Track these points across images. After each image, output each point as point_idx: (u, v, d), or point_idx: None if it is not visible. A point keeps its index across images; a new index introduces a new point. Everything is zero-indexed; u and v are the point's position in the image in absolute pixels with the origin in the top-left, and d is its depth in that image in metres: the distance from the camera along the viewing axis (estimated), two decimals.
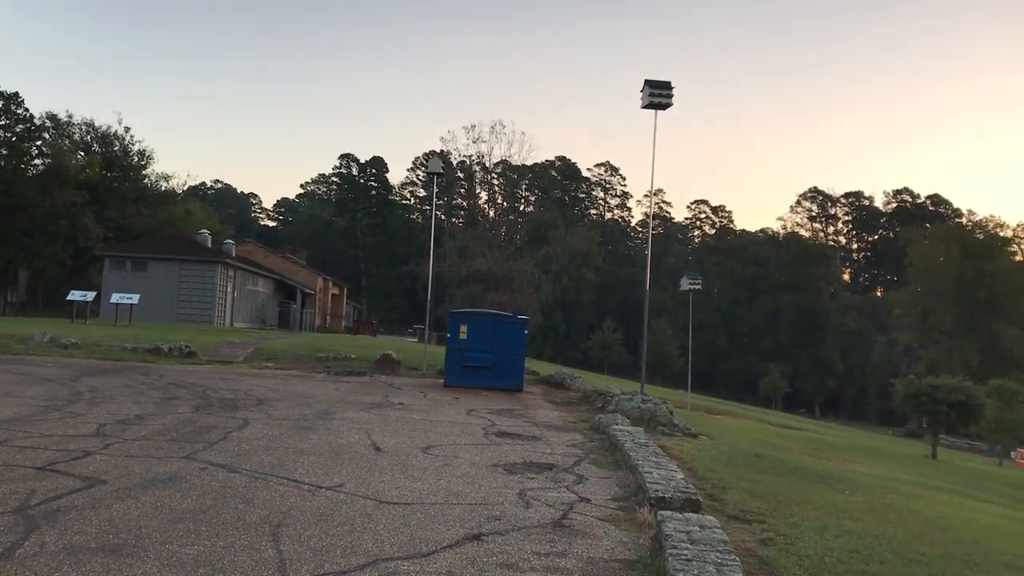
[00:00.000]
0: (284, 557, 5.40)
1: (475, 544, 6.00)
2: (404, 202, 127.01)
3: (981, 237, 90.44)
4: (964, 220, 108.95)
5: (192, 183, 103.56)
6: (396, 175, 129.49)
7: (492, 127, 67.86)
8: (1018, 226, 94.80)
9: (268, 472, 8.21)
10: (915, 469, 21.86)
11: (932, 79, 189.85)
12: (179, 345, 23.15)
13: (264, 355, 24.35)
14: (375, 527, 6.29)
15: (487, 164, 75.84)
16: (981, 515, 12.51)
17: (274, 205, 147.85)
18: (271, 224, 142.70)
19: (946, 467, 26.80)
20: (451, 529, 6.37)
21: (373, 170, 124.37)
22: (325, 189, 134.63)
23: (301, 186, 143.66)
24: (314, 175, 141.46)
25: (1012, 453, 51.09)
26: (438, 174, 28.29)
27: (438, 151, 78.24)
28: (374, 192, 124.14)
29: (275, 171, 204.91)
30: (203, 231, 51.81)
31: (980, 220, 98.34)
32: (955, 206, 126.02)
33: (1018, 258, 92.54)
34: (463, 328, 20.01)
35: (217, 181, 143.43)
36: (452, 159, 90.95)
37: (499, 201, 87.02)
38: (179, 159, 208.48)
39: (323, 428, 11.52)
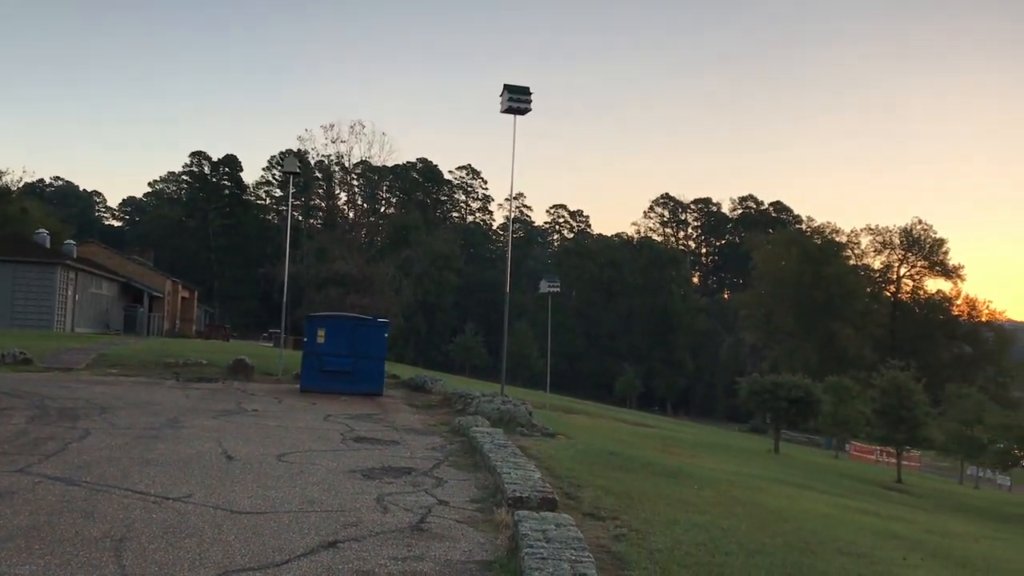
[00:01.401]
0: (127, 573, 5.14)
1: (330, 551, 5.88)
2: (259, 202, 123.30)
3: (819, 242, 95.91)
4: (804, 226, 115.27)
5: (28, 180, 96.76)
6: (251, 174, 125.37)
7: (352, 127, 66.66)
8: (852, 232, 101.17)
9: (111, 484, 7.79)
10: (759, 463, 23.01)
11: (775, 92, 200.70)
12: (13, 352, 21.63)
13: (108, 361, 23.11)
14: (225, 538, 6.07)
15: (346, 164, 74.65)
16: (818, 505, 13.31)
17: (120, 204, 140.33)
18: (116, 224, 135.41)
19: (787, 460, 28.34)
20: (306, 537, 6.23)
21: (226, 168, 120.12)
22: (175, 188, 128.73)
23: (149, 184, 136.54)
24: (163, 173, 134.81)
25: (846, 446, 54.57)
26: (294, 174, 27.63)
27: (295, 150, 76.37)
28: (227, 192, 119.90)
29: (121, 168, 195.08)
30: (41, 231, 48.61)
31: (818, 226, 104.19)
32: (795, 213, 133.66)
33: (852, 262, 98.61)
34: (321, 332, 19.63)
35: (57, 178, 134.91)
36: (310, 159, 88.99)
37: (359, 202, 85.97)
38: (13, 154, 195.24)
39: (171, 437, 11.03)
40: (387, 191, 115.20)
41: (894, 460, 35.46)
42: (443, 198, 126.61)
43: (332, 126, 67.11)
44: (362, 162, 76.15)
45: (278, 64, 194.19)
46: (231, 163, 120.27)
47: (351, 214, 79.95)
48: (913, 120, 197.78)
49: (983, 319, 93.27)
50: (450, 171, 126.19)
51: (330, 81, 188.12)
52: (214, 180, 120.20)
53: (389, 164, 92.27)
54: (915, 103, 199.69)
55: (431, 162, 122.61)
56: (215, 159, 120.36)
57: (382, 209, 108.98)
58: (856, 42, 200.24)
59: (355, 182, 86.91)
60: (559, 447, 13.20)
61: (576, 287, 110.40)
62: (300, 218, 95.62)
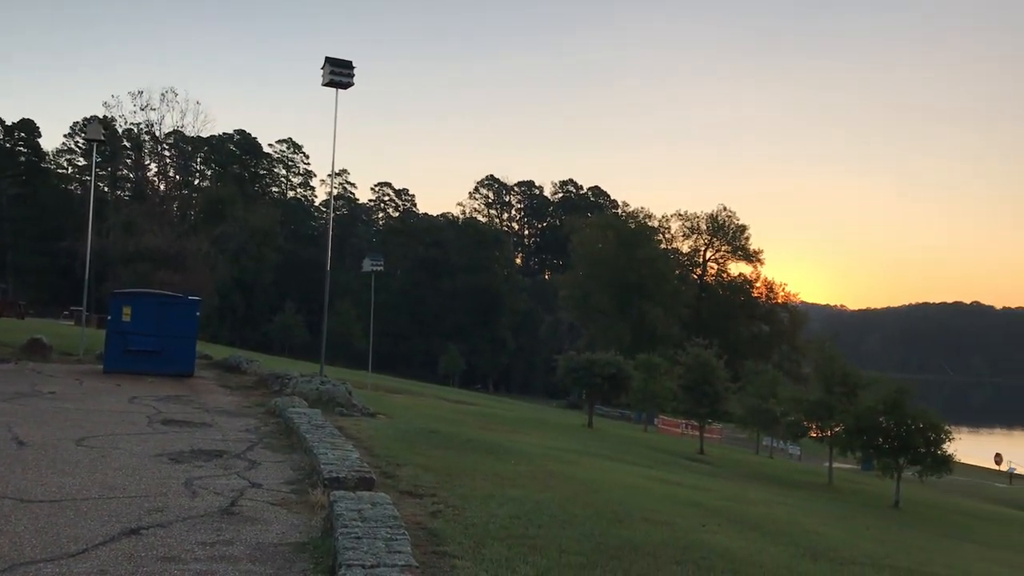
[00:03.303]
0: None
1: (133, 539, 5.62)
2: (60, 171, 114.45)
3: (633, 227, 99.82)
4: (619, 211, 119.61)
5: None
6: (50, 141, 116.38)
7: (163, 94, 63.61)
8: (663, 217, 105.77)
9: None
10: (574, 437, 23.85)
11: (596, 82, 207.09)
12: None
13: None
14: (14, 529, 5.67)
15: (157, 134, 70.83)
16: (627, 476, 13.97)
17: None
18: None
19: (600, 434, 29.52)
20: (106, 525, 5.91)
21: (21, 134, 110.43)
22: None
23: None
24: None
25: (655, 420, 57.42)
26: (99, 141, 25.90)
27: (100, 117, 71.41)
28: (23, 159, 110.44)
29: None
30: None
31: (632, 211, 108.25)
32: (612, 198, 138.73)
33: (663, 246, 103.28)
34: (126, 310, 18.58)
35: None
36: (117, 126, 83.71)
37: (171, 174, 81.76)
38: None
39: None
40: (202, 163, 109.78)
41: (698, 432, 37.66)
42: (262, 172, 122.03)
43: (141, 93, 63.47)
44: (174, 132, 72.44)
45: (83, 25, 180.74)
46: (27, 128, 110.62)
47: (162, 186, 75.97)
48: (721, 114, 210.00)
49: (779, 301, 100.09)
50: (270, 144, 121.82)
51: (140, 45, 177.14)
52: (8, 146, 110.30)
53: (204, 135, 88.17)
54: (723, 99, 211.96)
55: (249, 134, 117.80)
56: (8, 123, 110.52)
57: (196, 182, 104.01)
58: (669, 39, 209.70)
59: (167, 153, 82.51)
60: (379, 427, 13.17)
61: (401, 266, 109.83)
62: (106, 189, 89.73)
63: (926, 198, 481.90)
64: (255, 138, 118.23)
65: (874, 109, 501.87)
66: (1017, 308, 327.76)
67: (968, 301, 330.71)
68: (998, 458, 58.55)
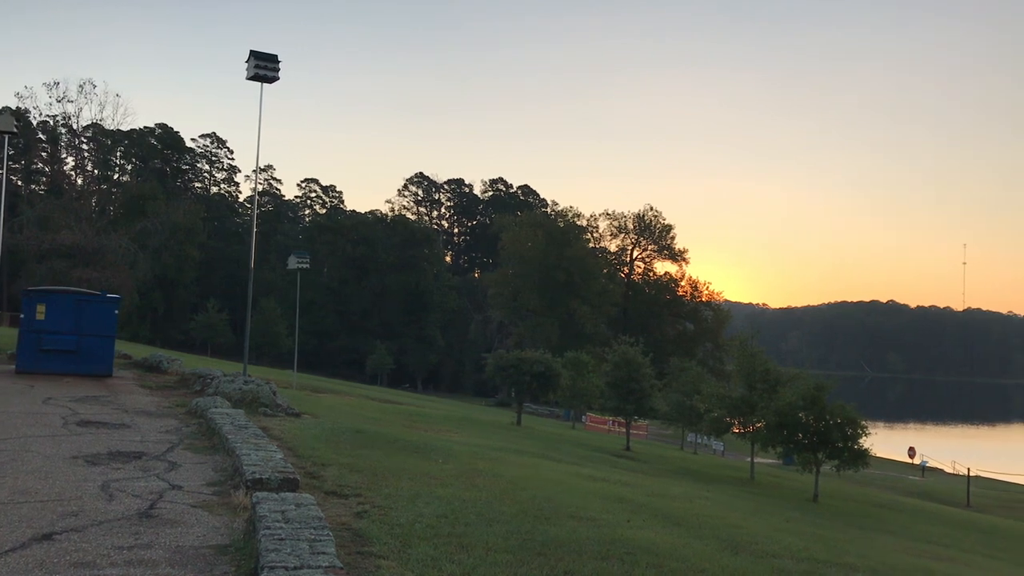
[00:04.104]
0: None
1: (45, 545, 5.44)
2: None
3: (562, 225, 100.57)
4: (549, 210, 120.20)
5: None
6: None
7: (81, 86, 61.36)
8: (592, 216, 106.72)
9: None
10: (502, 435, 23.90)
11: (526, 82, 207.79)
12: None
13: None
14: None
15: (75, 127, 68.60)
16: (554, 473, 14.07)
17: None
18: None
19: (528, 432, 29.65)
20: (16, 531, 5.71)
21: None
22: None
23: None
24: None
25: (583, 417, 57.98)
26: (10, 133, 24.93)
27: (12, 108, 68.72)
28: None
29: None
30: None
31: (561, 210, 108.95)
32: (542, 196, 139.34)
33: (591, 245, 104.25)
34: (41, 308, 17.96)
35: None
36: (31, 118, 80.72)
37: (89, 168, 79.18)
38: None
39: None
40: (122, 157, 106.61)
41: (624, 429, 38.13)
42: (185, 167, 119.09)
43: (57, 84, 61.36)
44: (93, 125, 70.25)
45: None
46: None
47: (80, 180, 73.54)
48: (648, 115, 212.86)
49: (704, 299, 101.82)
50: (193, 139, 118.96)
51: (55, 35, 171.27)
52: None
53: (124, 128, 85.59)
54: (650, 100, 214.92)
55: (172, 128, 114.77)
56: None
57: (116, 177, 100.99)
58: (595, 39, 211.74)
59: (84, 146, 79.87)
60: (304, 427, 13.00)
61: (328, 263, 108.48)
62: (19, 183, 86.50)
63: (845, 200, 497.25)
64: (178, 132, 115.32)
65: (794, 110, 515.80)
66: (930, 306, 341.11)
67: (884, 300, 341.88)
68: (912, 452, 60.69)
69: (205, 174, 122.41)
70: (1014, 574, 15.10)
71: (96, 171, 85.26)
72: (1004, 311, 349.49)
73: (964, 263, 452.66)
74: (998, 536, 23.34)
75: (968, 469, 43.56)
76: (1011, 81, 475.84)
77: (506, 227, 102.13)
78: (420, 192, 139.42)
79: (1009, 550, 20.18)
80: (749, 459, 32.68)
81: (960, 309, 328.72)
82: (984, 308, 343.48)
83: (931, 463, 57.73)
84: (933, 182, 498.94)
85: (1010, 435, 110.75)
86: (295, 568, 4.72)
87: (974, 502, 37.57)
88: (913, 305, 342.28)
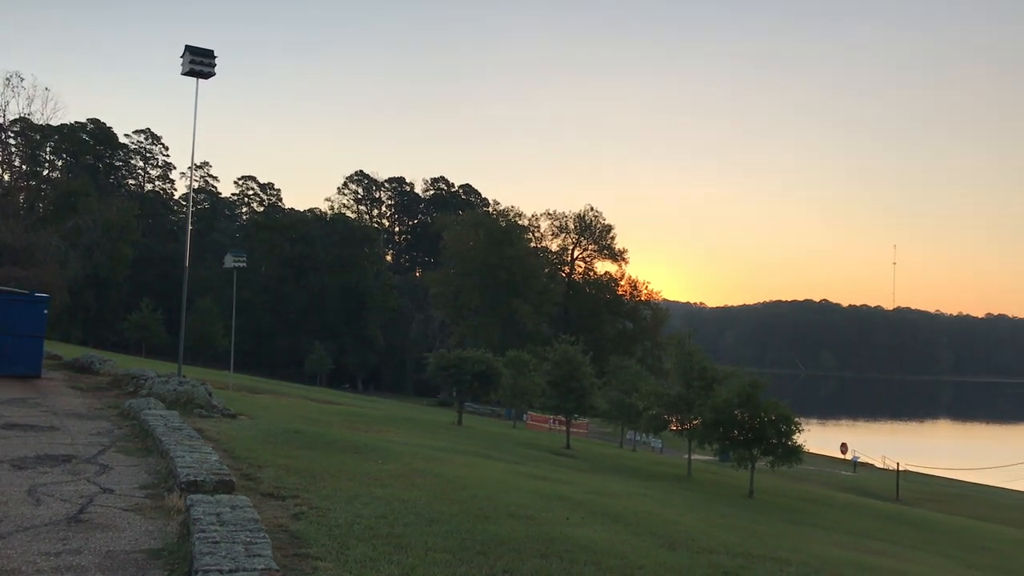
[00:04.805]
0: None
1: None
2: None
3: (503, 225, 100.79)
4: (490, 209, 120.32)
5: None
6: None
7: (7, 79, 59.47)
8: (533, 216, 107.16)
9: None
10: (443, 435, 23.86)
11: (466, 82, 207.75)
12: None
13: None
14: None
15: (1, 121, 66.49)
16: (494, 472, 14.10)
17: None
18: None
19: (469, 432, 29.64)
20: None
21: None
22: None
23: None
24: None
25: (524, 416, 58.18)
26: None
27: None
28: None
29: None
30: None
31: (503, 209, 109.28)
32: (483, 196, 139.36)
33: (532, 244, 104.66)
34: None
35: None
36: None
37: (16, 164, 76.92)
38: None
39: None
40: (52, 153, 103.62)
41: (565, 427, 38.37)
42: (118, 163, 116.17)
43: None
44: (20, 119, 68.25)
45: None
46: None
47: (7, 176, 71.40)
48: (588, 115, 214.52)
49: (643, 298, 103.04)
50: (126, 134, 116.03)
51: None
52: None
53: (54, 123, 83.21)
54: (589, 100, 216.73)
55: (104, 123, 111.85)
56: None
57: (46, 173, 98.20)
58: (534, 38, 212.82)
59: (12, 141, 77.50)
60: (240, 428, 12.82)
61: (265, 262, 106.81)
62: None
63: (780, 201, 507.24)
64: (110, 128, 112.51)
65: (728, 112, 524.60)
66: (862, 306, 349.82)
67: (817, 299, 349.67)
68: (843, 447, 62.33)
69: (139, 171, 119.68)
70: (943, 566, 15.60)
71: (24, 167, 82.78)
72: (932, 310, 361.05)
73: (894, 263, 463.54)
74: (927, 529, 24.09)
75: (898, 464, 44.86)
76: (940, 85, 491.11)
77: (447, 226, 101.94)
78: (360, 190, 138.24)
79: (937, 543, 20.85)
80: (686, 456, 33.16)
81: (890, 308, 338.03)
82: (913, 307, 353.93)
83: (862, 458, 59.33)
84: (864, 184, 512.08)
85: (937, 431, 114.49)
86: (230, 571, 4.66)
87: (904, 496, 38.72)
88: (845, 304, 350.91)
